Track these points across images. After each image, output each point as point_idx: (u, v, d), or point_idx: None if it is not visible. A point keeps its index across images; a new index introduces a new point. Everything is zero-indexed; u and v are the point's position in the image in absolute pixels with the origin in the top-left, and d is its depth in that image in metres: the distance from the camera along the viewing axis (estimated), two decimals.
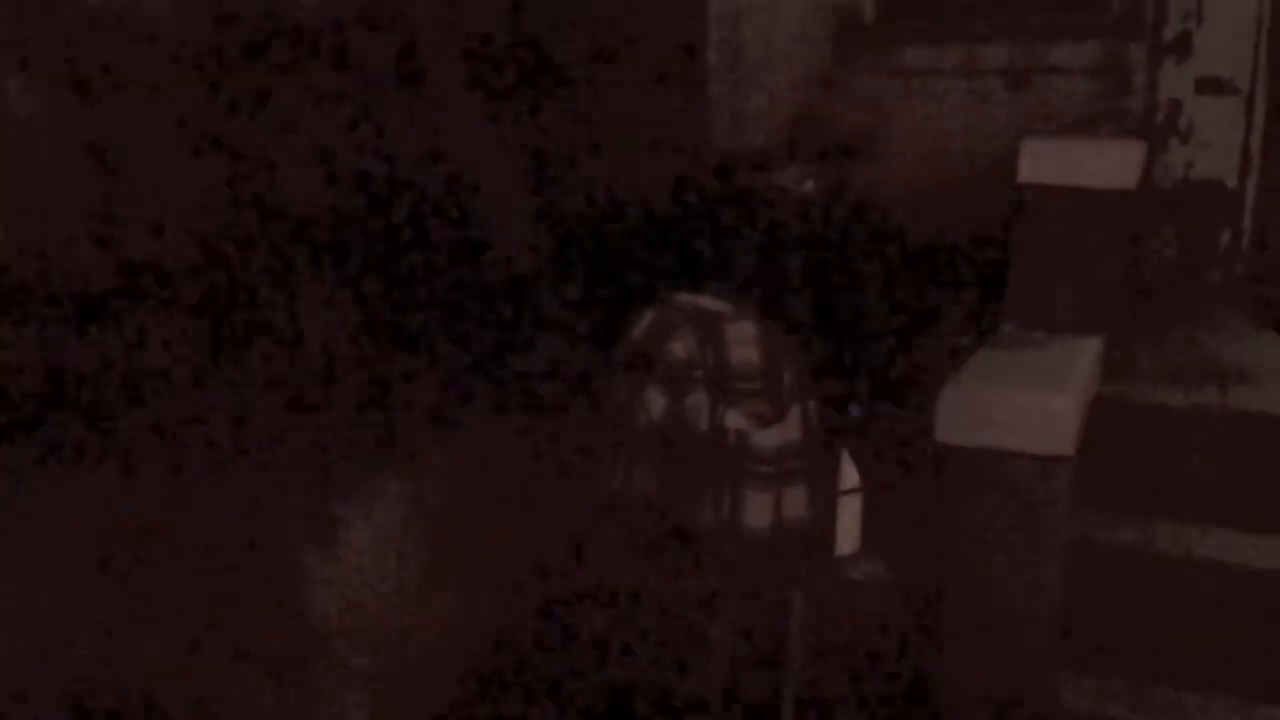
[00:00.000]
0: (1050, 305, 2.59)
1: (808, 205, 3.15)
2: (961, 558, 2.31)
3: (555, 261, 3.06)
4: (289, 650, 2.36)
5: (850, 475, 2.78)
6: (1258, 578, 2.23)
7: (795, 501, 2.64)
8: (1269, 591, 2.21)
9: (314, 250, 2.41)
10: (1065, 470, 2.21)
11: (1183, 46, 2.98)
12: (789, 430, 2.59)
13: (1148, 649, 2.31)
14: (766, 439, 2.56)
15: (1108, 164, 2.51)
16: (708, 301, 2.65)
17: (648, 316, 2.64)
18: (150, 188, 2.07)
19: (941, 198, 3.17)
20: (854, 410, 2.93)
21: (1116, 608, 2.35)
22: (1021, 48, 3.07)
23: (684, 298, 2.69)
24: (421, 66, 2.63)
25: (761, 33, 3.38)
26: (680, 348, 2.53)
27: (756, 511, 2.58)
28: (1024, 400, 2.19)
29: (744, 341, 2.56)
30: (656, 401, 2.55)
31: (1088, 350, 2.48)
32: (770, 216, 3.14)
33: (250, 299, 2.27)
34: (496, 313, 2.93)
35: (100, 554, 2.03)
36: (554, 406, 2.97)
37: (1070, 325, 2.57)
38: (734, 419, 2.54)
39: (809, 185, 3.18)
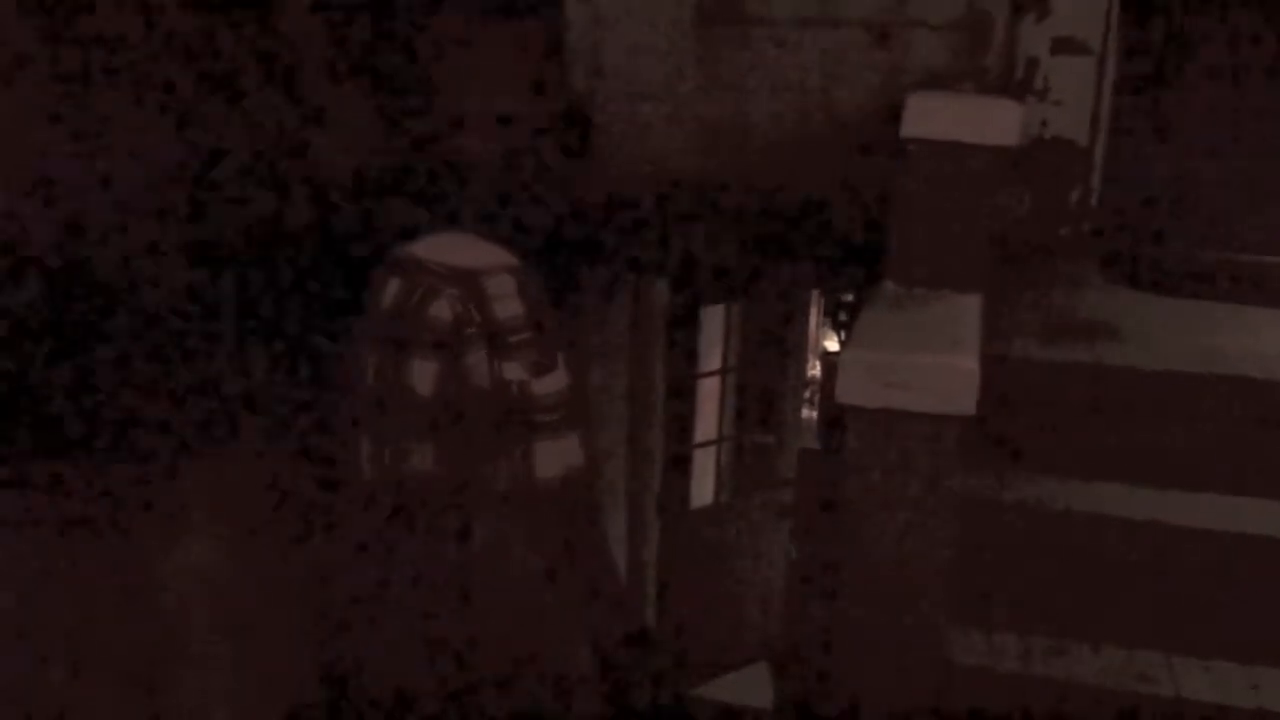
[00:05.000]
0: (932, 262, 2.59)
1: None
2: (858, 514, 2.29)
3: None
4: (146, 652, 2.11)
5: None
6: (1138, 529, 2.31)
7: (573, 449, 2.61)
8: (1149, 542, 2.30)
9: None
10: (963, 429, 2.22)
11: (1041, 6, 3.03)
12: (561, 377, 2.55)
13: (1035, 602, 2.37)
14: (545, 387, 2.51)
15: (995, 120, 2.52)
16: (455, 256, 2.50)
17: (393, 283, 2.48)
18: None
19: (803, 151, 3.13)
20: None
21: (1003, 563, 2.40)
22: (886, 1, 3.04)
23: (423, 252, 2.51)
24: None
25: None
26: (445, 310, 2.42)
27: (547, 462, 2.54)
28: (930, 363, 2.17)
29: (505, 294, 2.47)
30: (426, 371, 2.42)
31: (971, 308, 2.50)
32: None
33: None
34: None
35: None
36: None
37: (950, 283, 2.58)
38: (512, 371, 2.47)
39: None
